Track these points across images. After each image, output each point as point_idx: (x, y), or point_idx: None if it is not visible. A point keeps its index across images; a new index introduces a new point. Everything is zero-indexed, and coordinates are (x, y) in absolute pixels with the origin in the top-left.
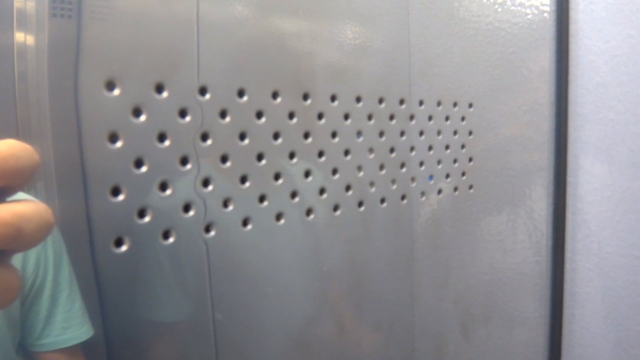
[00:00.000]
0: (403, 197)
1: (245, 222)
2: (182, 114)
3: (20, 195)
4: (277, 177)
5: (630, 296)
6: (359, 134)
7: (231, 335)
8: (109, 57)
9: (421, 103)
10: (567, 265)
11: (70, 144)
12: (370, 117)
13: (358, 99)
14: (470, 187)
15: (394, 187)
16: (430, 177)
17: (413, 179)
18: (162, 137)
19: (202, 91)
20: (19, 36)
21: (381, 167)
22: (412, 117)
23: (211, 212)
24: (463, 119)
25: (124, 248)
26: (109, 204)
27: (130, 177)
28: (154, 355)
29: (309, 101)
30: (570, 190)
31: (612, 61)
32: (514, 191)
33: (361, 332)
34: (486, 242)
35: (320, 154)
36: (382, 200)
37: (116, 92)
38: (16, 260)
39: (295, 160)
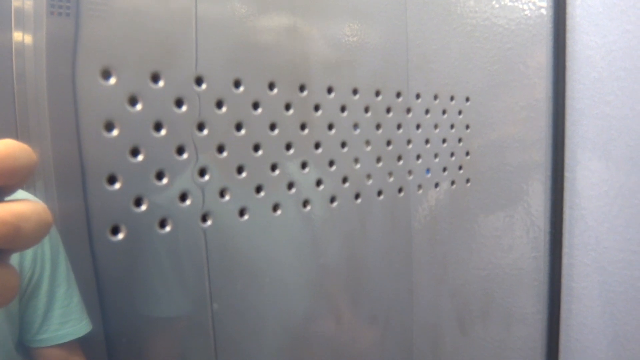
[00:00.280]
0: (400, 190)
1: (242, 212)
2: (179, 103)
3: (19, 193)
4: (273, 167)
5: (628, 291)
6: (355, 126)
7: (228, 322)
8: (105, 46)
9: (418, 96)
10: (565, 261)
11: (66, 132)
12: (367, 110)
13: (355, 92)
14: (468, 180)
15: (391, 179)
16: (428, 171)
17: (410, 172)
18: (158, 127)
19: (199, 81)
20: (17, 35)
21: (378, 160)
22: (409, 110)
23: (208, 201)
24: (460, 112)
25: (120, 236)
26: (105, 192)
27: (127, 166)
28: (152, 344)
29: (305, 92)
30: (567, 185)
31: (609, 56)
32: (511, 186)
33: (358, 322)
34: (484, 237)
35: (317, 146)
36: (379, 193)
37: (112, 80)
38: (13, 256)
39: (292, 151)
